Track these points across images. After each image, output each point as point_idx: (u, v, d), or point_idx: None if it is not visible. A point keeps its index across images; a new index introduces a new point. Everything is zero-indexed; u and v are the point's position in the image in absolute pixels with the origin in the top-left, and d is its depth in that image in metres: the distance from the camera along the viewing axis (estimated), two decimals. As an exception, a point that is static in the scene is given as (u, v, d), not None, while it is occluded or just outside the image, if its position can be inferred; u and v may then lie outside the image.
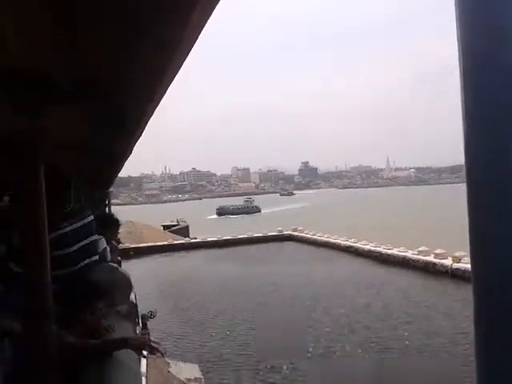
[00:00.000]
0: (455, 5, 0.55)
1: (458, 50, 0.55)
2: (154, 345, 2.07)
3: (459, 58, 0.55)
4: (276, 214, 78.01)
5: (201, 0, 0.75)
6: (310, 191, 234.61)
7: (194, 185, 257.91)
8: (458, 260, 15.96)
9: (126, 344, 2.02)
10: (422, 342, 9.74)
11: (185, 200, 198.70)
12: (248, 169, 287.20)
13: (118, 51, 1.10)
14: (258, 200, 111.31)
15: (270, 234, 28.57)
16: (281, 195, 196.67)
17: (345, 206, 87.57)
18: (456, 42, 0.56)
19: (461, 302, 11.93)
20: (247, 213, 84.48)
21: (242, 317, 11.95)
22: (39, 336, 1.45)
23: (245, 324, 11.30)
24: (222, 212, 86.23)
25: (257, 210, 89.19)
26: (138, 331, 3.94)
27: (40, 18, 0.89)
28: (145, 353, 2.32)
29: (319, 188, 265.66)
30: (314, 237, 26.23)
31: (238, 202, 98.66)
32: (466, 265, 15.44)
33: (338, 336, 10.23)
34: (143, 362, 3.94)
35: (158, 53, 1.05)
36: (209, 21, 0.86)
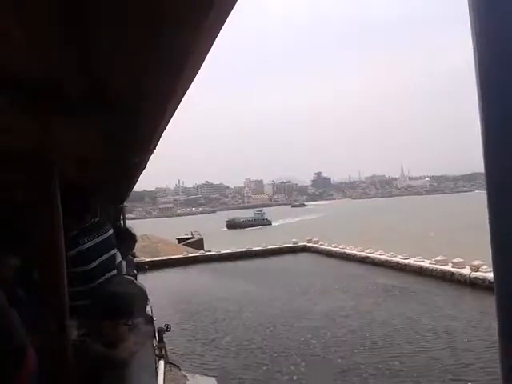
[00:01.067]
0: (469, 7, 0.55)
1: (474, 55, 0.54)
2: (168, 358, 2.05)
3: (475, 63, 0.54)
4: (287, 226, 76.85)
5: (217, 2, 0.76)
6: (324, 202, 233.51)
7: (208, 198, 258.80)
8: (476, 269, 15.66)
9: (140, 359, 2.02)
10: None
11: (198, 213, 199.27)
12: (261, 181, 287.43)
13: (132, 63, 1.11)
14: (269, 212, 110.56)
15: (285, 245, 28.44)
16: (292, 207, 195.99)
17: (358, 216, 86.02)
18: (471, 46, 0.56)
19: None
20: (258, 225, 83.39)
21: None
22: (57, 349, 1.45)
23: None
24: (231, 225, 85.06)
25: (267, 222, 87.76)
26: (154, 344, 3.93)
27: (52, 31, 0.90)
28: (162, 366, 2.31)
29: (333, 199, 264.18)
30: (329, 248, 25.99)
31: (250, 214, 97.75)
32: (484, 274, 15.17)
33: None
34: (160, 375, 3.92)
35: (171, 63, 1.06)
36: (223, 27, 0.86)
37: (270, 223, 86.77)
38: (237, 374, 8.37)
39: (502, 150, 0.51)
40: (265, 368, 8.87)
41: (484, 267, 15.51)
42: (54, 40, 0.95)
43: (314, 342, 10.55)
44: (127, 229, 4.80)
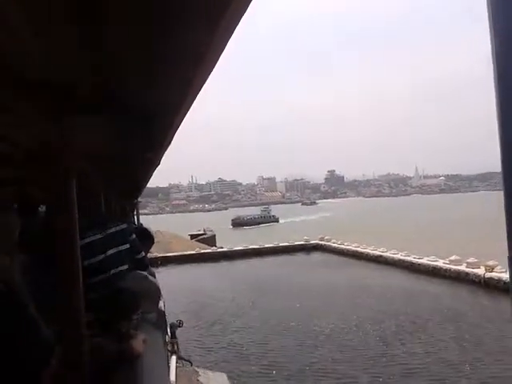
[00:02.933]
0: (488, 8, 0.54)
1: (492, 54, 0.54)
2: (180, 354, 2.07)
3: (493, 62, 0.53)
4: (294, 224, 75.34)
5: (231, 3, 0.76)
6: (336, 200, 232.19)
7: (220, 194, 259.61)
8: (491, 269, 15.46)
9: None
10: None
11: (211, 210, 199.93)
12: (274, 178, 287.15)
13: (145, 61, 1.12)
14: (279, 209, 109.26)
15: (297, 243, 28.40)
16: (302, 204, 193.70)
17: (370, 216, 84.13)
18: (489, 46, 0.55)
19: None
20: (264, 223, 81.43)
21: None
22: (72, 343, 1.47)
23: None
24: (237, 222, 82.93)
25: (274, 219, 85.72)
26: (167, 339, 3.97)
27: (66, 30, 0.91)
28: (174, 361, 2.33)
29: (346, 197, 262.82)
30: (342, 246, 25.88)
31: (256, 211, 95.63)
32: (499, 274, 14.97)
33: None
34: (172, 370, 3.96)
35: (185, 61, 1.06)
36: (239, 25, 0.86)
37: (277, 220, 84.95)
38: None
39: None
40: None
41: (499, 267, 15.31)
42: (68, 40, 0.96)
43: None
44: (147, 228, 4.84)
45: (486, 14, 0.54)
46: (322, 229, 34.96)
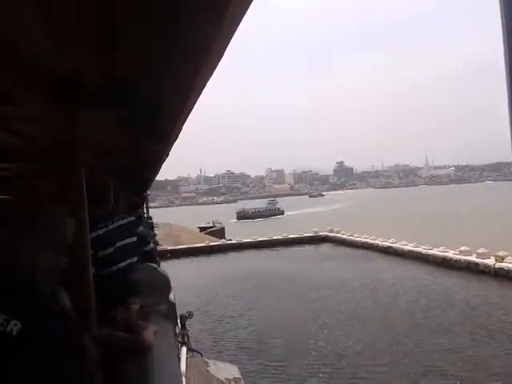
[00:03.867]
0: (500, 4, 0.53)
1: (504, 45, 0.53)
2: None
3: (504, 53, 0.53)
4: (299, 216, 73.90)
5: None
6: (345, 191, 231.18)
7: (229, 187, 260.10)
8: (501, 259, 15.35)
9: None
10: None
11: (220, 202, 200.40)
12: (282, 170, 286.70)
13: (154, 52, 1.12)
14: (286, 202, 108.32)
15: (306, 235, 28.43)
16: (309, 196, 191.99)
17: (378, 208, 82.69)
18: (501, 36, 0.54)
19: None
20: (270, 215, 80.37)
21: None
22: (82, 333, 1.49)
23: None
24: (242, 215, 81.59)
25: (279, 212, 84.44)
26: (177, 331, 4.00)
27: (78, 29, 0.91)
28: (184, 352, 2.35)
29: (355, 188, 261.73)
30: (351, 237, 25.86)
31: (263, 204, 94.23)
32: (509, 264, 14.87)
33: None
34: (183, 361, 4.00)
35: (193, 52, 1.06)
36: (244, 17, 0.86)
37: (282, 213, 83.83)
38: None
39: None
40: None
41: (509, 258, 15.20)
42: (80, 37, 0.97)
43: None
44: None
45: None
46: (328, 221, 34.33)
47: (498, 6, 0.53)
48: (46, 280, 1.19)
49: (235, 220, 79.02)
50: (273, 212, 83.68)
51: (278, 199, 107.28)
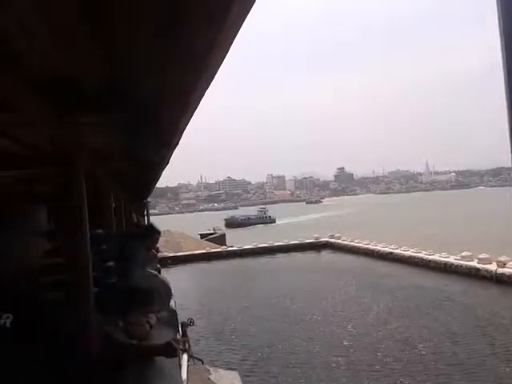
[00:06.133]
0: (497, 9, 0.53)
1: (502, 50, 0.53)
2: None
3: (503, 59, 0.53)
4: (292, 224, 69.87)
5: (236, 2, 0.75)
6: (342, 198, 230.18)
7: (230, 193, 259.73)
8: (502, 265, 15.30)
9: (159, 351, 2.05)
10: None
11: (221, 209, 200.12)
12: (283, 176, 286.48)
13: (153, 59, 1.12)
14: (281, 208, 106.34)
15: (307, 241, 28.40)
16: (307, 203, 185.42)
17: (376, 214, 79.88)
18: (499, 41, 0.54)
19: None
20: (260, 223, 77.12)
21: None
22: (83, 337, 1.49)
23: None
24: (230, 223, 76.84)
25: (270, 220, 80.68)
26: (178, 338, 3.98)
27: (79, 30, 0.91)
28: (185, 359, 2.34)
29: (355, 194, 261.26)
30: (352, 243, 25.80)
31: (271, 209, 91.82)
32: (511, 270, 14.81)
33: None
34: (184, 368, 3.98)
35: (193, 59, 1.06)
36: (244, 24, 0.86)
37: (273, 221, 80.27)
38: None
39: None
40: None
41: (511, 263, 15.15)
42: (80, 39, 0.97)
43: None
44: (151, 224, 4.86)
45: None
46: (322, 230, 33.16)
47: (496, 9, 0.53)
48: (32, 275, 1.23)
49: (223, 227, 75.60)
50: (263, 220, 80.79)
51: (277, 205, 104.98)
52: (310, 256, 25.69)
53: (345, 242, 26.56)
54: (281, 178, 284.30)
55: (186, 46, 1.00)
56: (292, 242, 28.13)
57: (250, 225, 76.90)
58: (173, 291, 3.18)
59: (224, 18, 0.82)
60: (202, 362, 6.33)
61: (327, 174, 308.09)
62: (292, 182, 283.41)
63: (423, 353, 9.54)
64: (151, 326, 2.31)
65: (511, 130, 0.53)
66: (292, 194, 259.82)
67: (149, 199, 14.42)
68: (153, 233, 4.62)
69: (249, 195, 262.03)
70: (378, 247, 23.27)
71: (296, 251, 26.52)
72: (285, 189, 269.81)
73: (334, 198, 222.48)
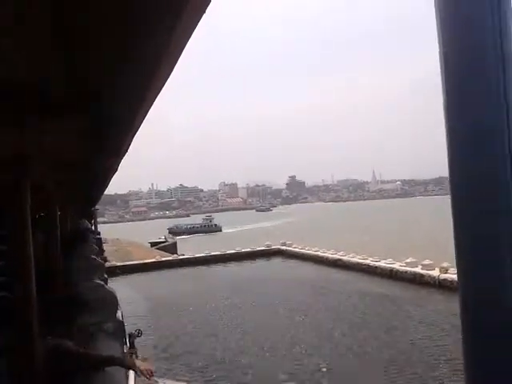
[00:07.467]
0: (436, 14, 0.57)
1: (441, 67, 0.57)
2: (141, 365, 2.03)
3: (441, 75, 0.56)
4: (238, 234, 69.11)
5: (191, 2, 0.76)
6: (296, 205, 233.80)
7: (182, 201, 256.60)
8: (445, 271, 16.08)
9: (115, 362, 1.99)
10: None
11: (172, 217, 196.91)
12: (235, 184, 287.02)
13: (106, 62, 1.10)
14: (231, 217, 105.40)
15: (259, 248, 28.55)
16: (257, 211, 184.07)
17: (323, 222, 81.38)
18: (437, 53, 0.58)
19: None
20: (205, 232, 76.24)
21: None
22: (26, 347, 1.42)
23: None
24: (173, 231, 73.09)
25: (216, 229, 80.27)
26: (125, 349, 3.86)
27: (39, 31, 0.89)
28: (132, 372, 2.28)
29: (307, 202, 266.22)
30: (303, 251, 26.23)
31: (225, 216, 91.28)
32: (453, 275, 15.55)
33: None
34: (131, 378, 3.86)
35: (144, 64, 1.05)
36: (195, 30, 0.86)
37: (219, 230, 79.99)
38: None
39: (466, 156, 0.53)
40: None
41: (452, 269, 15.93)
42: (41, 40, 0.94)
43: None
44: (86, 229, 4.70)
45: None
46: (270, 238, 33.04)
47: (435, 17, 0.57)
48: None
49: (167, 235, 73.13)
50: (208, 228, 79.98)
51: (228, 213, 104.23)
52: (261, 264, 25.82)
53: (296, 250, 26.97)
54: (233, 186, 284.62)
55: (139, 48, 0.99)
56: (244, 250, 28.16)
57: (194, 233, 75.73)
58: (119, 302, 3.10)
59: (175, 23, 0.83)
60: (148, 379, 6.15)
61: (279, 182, 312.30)
62: (244, 189, 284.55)
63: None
64: (97, 337, 2.24)
65: (448, 140, 0.57)
66: (244, 202, 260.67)
67: (97, 207, 13.97)
68: (86, 235, 4.46)
69: (201, 203, 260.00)
70: (326, 254, 23.80)
71: (248, 259, 26.59)
72: (237, 196, 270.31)
73: (286, 206, 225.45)
